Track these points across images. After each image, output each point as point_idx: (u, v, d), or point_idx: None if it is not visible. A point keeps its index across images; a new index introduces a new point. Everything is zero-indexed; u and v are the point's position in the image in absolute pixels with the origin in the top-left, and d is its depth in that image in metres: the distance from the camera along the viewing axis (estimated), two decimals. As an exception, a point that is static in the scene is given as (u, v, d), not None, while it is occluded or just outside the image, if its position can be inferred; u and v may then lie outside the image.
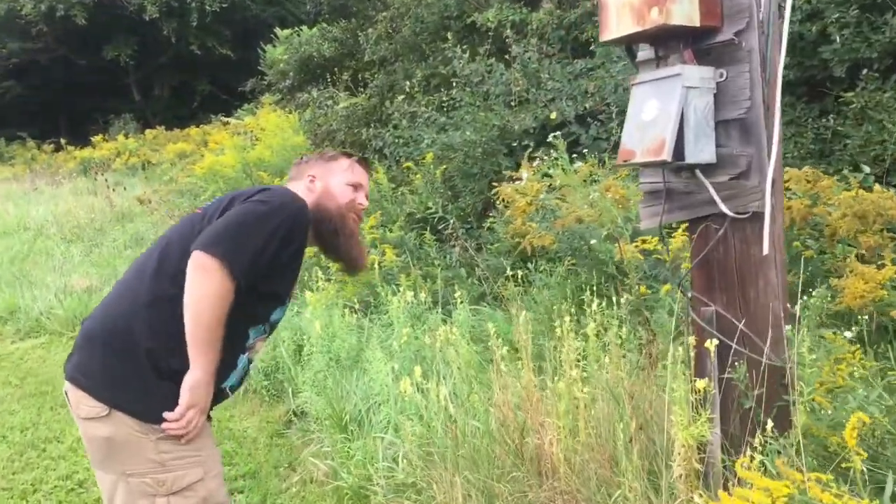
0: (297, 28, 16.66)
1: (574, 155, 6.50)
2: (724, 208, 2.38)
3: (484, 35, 8.97)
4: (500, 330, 5.03)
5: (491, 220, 6.76)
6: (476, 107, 7.97)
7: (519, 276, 5.54)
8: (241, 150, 10.69)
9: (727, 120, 2.37)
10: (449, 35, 8.78)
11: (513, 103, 7.79)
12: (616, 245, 4.23)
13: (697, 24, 2.29)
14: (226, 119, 16.41)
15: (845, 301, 3.52)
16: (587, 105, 7.17)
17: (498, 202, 6.24)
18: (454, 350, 4.48)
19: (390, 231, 6.75)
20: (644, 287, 4.25)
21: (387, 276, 5.98)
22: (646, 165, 2.42)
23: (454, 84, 8.61)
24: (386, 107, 10.04)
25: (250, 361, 2.43)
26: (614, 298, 4.33)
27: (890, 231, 3.86)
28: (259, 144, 10.75)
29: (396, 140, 9.12)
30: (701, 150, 2.35)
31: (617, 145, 7.26)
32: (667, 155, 2.28)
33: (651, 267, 4.61)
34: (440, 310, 5.70)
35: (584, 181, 4.88)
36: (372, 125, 10.38)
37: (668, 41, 2.40)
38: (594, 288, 4.64)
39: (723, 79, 2.35)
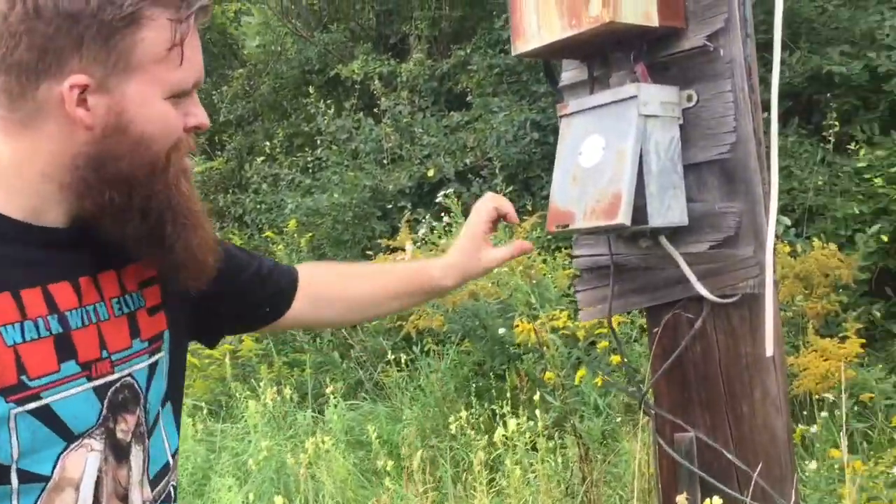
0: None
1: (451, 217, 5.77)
2: (702, 290, 1.64)
3: (350, 89, 8.23)
4: (383, 432, 4.17)
5: (366, 292, 5.92)
6: (344, 166, 7.19)
7: (402, 360, 4.70)
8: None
9: (700, 163, 1.64)
10: (311, 90, 7.99)
11: (385, 161, 7.05)
12: (518, 326, 3.46)
13: (656, 23, 1.56)
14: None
15: (804, 385, 2.87)
16: (467, 160, 6.51)
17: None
18: (326, 465, 3.58)
19: (248, 312, 5.79)
20: (552, 374, 3.49)
21: (244, 368, 5.01)
22: (592, 232, 1.65)
23: (319, 142, 7.80)
24: (245, 170, 9.10)
25: None
26: (521, 388, 3.56)
27: (840, 294, 3.27)
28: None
29: (258, 206, 8.19)
30: (669, 208, 1.61)
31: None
32: (624, 217, 1.52)
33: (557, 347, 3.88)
34: (311, 406, 4.78)
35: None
36: (230, 190, 9.40)
37: (611, 50, 1.67)
38: (496, 386, 3.86)
39: (692, 103, 1.63)
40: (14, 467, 0.93)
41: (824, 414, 2.15)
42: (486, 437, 3.08)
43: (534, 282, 3.54)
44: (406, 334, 4.95)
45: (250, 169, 8.69)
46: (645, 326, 3.74)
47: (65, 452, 0.97)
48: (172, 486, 1.16)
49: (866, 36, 5.11)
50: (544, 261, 4.17)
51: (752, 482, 1.63)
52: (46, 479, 0.95)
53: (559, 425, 2.97)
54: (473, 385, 4.16)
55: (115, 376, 1.03)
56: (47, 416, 0.95)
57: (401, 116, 7.21)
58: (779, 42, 1.60)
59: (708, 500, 1.50)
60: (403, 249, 4.39)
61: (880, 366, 3.00)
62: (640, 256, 1.73)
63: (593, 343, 3.77)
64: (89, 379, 1.00)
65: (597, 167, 1.59)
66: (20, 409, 0.93)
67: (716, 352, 1.70)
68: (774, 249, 1.60)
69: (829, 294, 3.23)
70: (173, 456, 1.16)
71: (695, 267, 1.65)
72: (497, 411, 3.41)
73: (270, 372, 4.91)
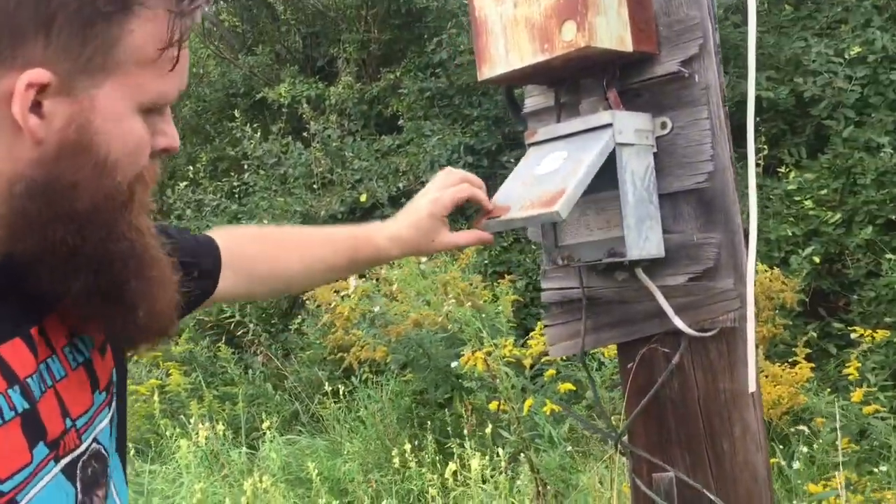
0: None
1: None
2: (679, 324, 1.58)
3: (276, 112, 8.06)
4: (323, 468, 4.01)
5: (299, 321, 5.76)
6: (273, 191, 7.01)
7: (340, 391, 4.56)
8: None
9: (676, 192, 1.58)
10: (236, 113, 7.79)
11: (315, 186, 6.90)
12: (465, 356, 3.37)
13: (630, 48, 1.50)
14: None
15: (757, 409, 2.85)
16: (400, 185, 6.42)
17: (308, 300, 5.27)
18: (266, 508, 3.41)
19: (175, 345, 5.55)
20: (497, 403, 3.40)
21: (172, 404, 4.78)
22: (525, 224, 1.55)
23: (246, 167, 7.61)
24: (167, 196, 8.82)
25: None
26: (465, 418, 3.47)
27: (784, 318, 3.28)
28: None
29: (181, 233, 7.93)
30: (646, 240, 1.54)
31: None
32: (561, 207, 1.41)
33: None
34: (244, 441, 4.58)
35: (414, 275, 4.02)
36: (152, 217, 9.09)
37: (583, 76, 1.60)
38: (439, 416, 3.75)
39: (666, 131, 1.57)
40: None
41: (804, 449, 2.12)
42: (438, 473, 2.97)
43: (483, 315, 3.45)
44: (344, 366, 4.81)
45: (173, 194, 8.43)
46: (602, 357, 3.72)
47: None
48: None
49: (791, 62, 5.24)
50: (486, 287, 4.10)
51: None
52: None
53: (514, 459, 2.88)
54: (416, 416, 4.05)
55: (83, 447, 0.83)
56: None
57: (330, 140, 7.08)
58: (753, 67, 1.56)
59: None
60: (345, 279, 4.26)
61: (828, 390, 3.02)
62: (614, 290, 1.66)
63: (540, 371, 3.71)
64: (57, 460, 0.78)
65: (551, 173, 1.51)
66: None
67: (694, 388, 1.63)
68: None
69: (774, 318, 3.24)
70: None
71: (672, 300, 1.59)
72: (445, 444, 3.31)
73: (201, 407, 4.69)
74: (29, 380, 0.76)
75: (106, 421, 0.89)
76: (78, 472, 0.82)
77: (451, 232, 1.45)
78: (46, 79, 0.70)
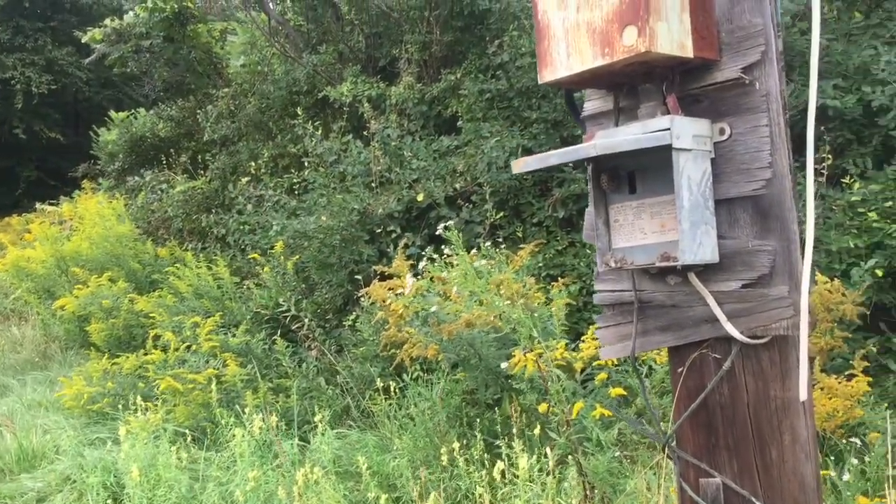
0: (133, 110, 15.45)
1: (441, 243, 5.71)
2: (732, 330, 1.58)
3: (338, 111, 8.17)
4: (372, 462, 4.07)
5: (353, 317, 5.83)
6: (332, 189, 7.11)
7: (391, 388, 4.62)
8: (56, 241, 9.22)
9: (732, 198, 1.59)
10: (299, 111, 7.91)
11: (373, 184, 6.98)
12: (515, 357, 3.38)
13: (691, 54, 1.52)
14: (41, 206, 14.52)
15: (811, 422, 2.81)
16: (457, 185, 6.46)
17: (363, 298, 5.33)
18: (316, 497, 3.47)
19: (233, 336, 5.67)
20: (546, 405, 3.41)
21: (229, 394, 4.89)
22: (561, 157, 1.57)
23: (306, 164, 7.73)
24: (229, 190, 9.02)
25: None
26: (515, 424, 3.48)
27: (843, 331, 3.22)
28: (76, 235, 9.31)
29: (241, 227, 8.10)
30: (700, 245, 1.55)
31: (494, 229, 6.57)
32: (598, 142, 1.44)
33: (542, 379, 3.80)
34: (296, 433, 4.66)
35: (469, 275, 4.03)
36: (213, 210, 9.31)
37: (643, 81, 1.61)
38: (488, 416, 3.77)
39: (724, 137, 1.58)
40: None
41: (854, 461, 2.09)
42: (487, 471, 2.99)
43: (536, 316, 3.46)
44: (394, 362, 4.86)
45: (234, 189, 8.60)
46: (653, 363, 3.70)
47: None
48: None
49: (860, 70, 5.13)
50: (539, 289, 4.11)
51: (783, 532, 1.57)
52: None
53: (562, 461, 2.89)
54: (465, 416, 4.08)
55: None
56: None
57: (389, 139, 7.15)
58: (814, 76, 1.55)
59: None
60: (400, 277, 4.30)
61: (886, 404, 2.96)
62: (666, 294, 1.67)
63: (590, 376, 3.70)
64: None
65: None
66: None
67: (744, 394, 1.63)
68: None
69: (833, 330, 3.19)
70: None
71: (724, 306, 1.59)
72: (493, 443, 3.33)
73: (255, 398, 4.79)
74: None
75: None
76: None
77: None
78: None
